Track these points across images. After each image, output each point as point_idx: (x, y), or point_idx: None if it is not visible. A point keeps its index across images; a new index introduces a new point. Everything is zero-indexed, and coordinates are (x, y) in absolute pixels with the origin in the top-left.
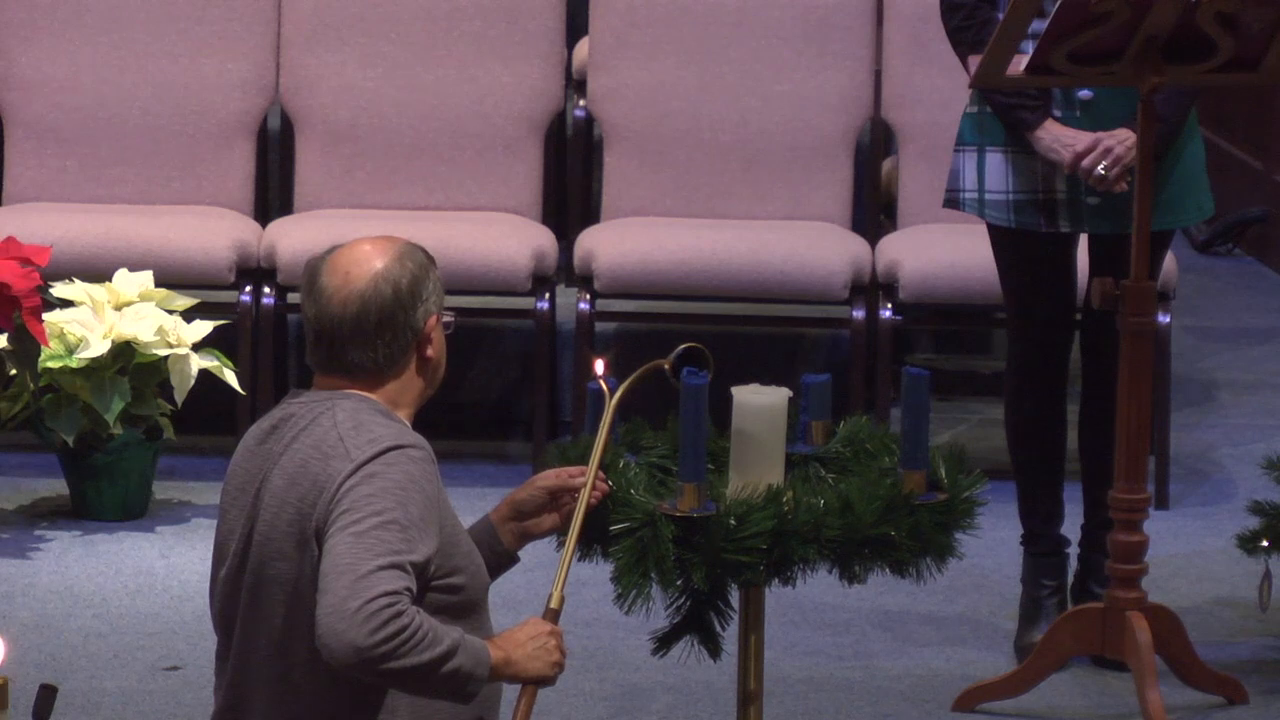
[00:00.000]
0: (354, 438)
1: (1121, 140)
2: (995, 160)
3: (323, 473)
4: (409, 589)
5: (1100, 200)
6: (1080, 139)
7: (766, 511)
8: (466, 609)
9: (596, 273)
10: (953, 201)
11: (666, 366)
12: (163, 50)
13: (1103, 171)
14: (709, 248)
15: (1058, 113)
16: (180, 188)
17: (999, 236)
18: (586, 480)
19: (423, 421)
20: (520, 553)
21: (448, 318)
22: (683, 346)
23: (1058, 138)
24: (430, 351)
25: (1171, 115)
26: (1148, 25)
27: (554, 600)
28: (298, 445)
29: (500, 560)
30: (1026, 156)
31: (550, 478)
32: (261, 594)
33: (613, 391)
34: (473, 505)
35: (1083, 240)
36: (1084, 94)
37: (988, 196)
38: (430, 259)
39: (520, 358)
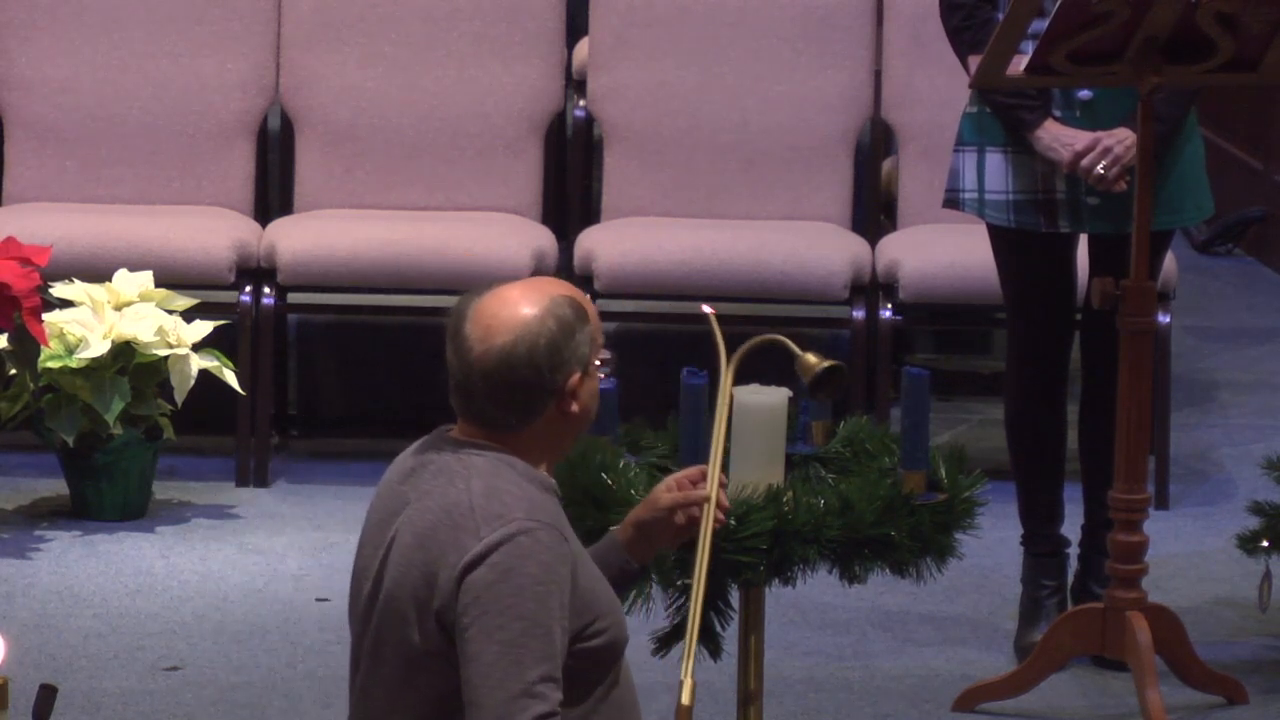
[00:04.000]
0: (484, 508)
1: (1121, 140)
2: (995, 160)
3: (450, 544)
4: (561, 703)
5: (1100, 200)
6: (1079, 138)
7: (766, 511)
8: (610, 659)
9: (596, 273)
10: (952, 201)
11: (806, 381)
12: (163, 50)
13: (1102, 171)
14: (709, 248)
15: (1057, 113)
16: (180, 188)
17: (999, 236)
18: (706, 514)
19: (422, 421)
20: None
21: (604, 356)
22: (825, 365)
23: (1057, 137)
24: (575, 408)
25: (1170, 115)
26: (1148, 25)
27: (685, 693)
28: (429, 503)
29: (632, 577)
30: (1026, 157)
31: (672, 493)
32: (382, 651)
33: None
34: None
35: (1082, 240)
36: (1083, 94)
37: (987, 196)
38: (580, 310)
39: None
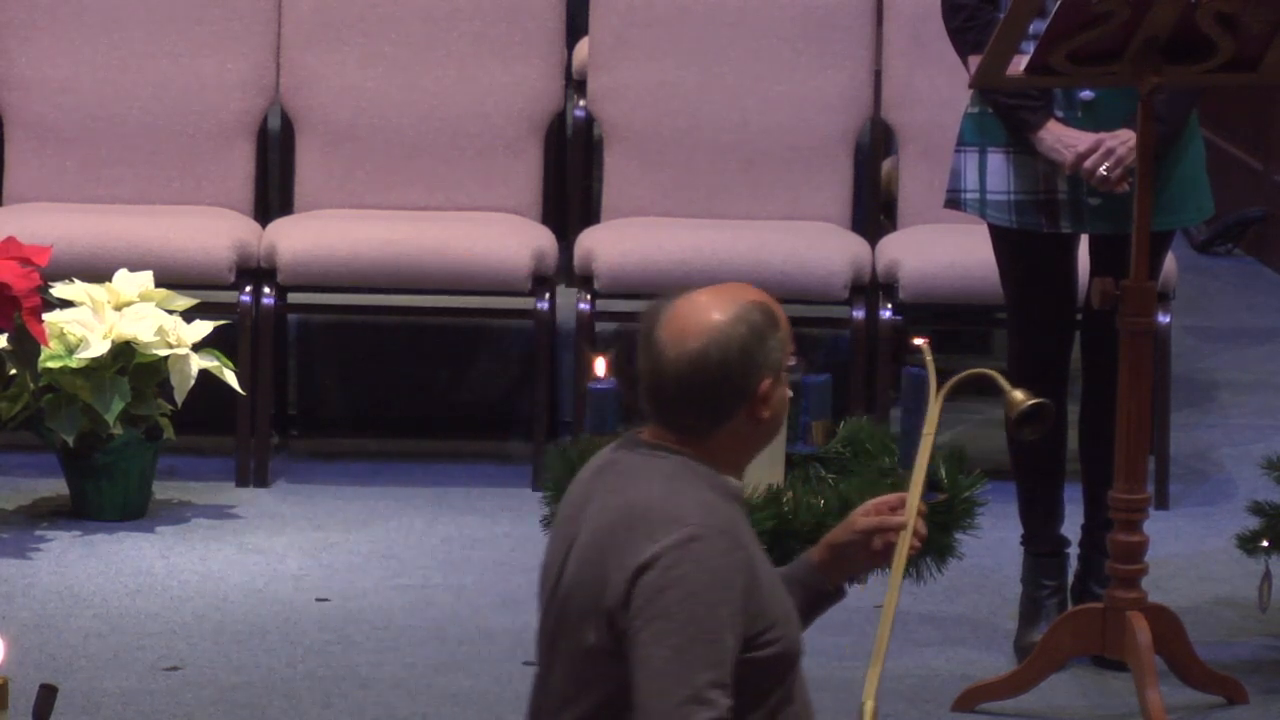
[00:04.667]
0: (661, 511)
1: (1123, 141)
2: (997, 161)
3: (625, 545)
4: (730, 708)
5: (1102, 201)
6: (1082, 140)
7: (766, 511)
8: (781, 670)
9: (596, 273)
10: (954, 202)
11: (1011, 417)
12: (163, 50)
13: (1104, 173)
14: (709, 248)
15: (1059, 113)
16: (180, 188)
17: (1000, 237)
18: (901, 542)
19: (423, 421)
20: (511, 550)
21: (791, 363)
22: (1032, 403)
23: (1059, 138)
24: (765, 413)
25: (1173, 116)
26: (1148, 25)
27: (866, 716)
28: (610, 502)
29: (827, 599)
30: (1028, 157)
31: (870, 518)
32: (558, 646)
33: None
34: (473, 505)
35: (1084, 240)
36: (1085, 95)
37: (989, 197)
38: (772, 315)
39: (520, 358)
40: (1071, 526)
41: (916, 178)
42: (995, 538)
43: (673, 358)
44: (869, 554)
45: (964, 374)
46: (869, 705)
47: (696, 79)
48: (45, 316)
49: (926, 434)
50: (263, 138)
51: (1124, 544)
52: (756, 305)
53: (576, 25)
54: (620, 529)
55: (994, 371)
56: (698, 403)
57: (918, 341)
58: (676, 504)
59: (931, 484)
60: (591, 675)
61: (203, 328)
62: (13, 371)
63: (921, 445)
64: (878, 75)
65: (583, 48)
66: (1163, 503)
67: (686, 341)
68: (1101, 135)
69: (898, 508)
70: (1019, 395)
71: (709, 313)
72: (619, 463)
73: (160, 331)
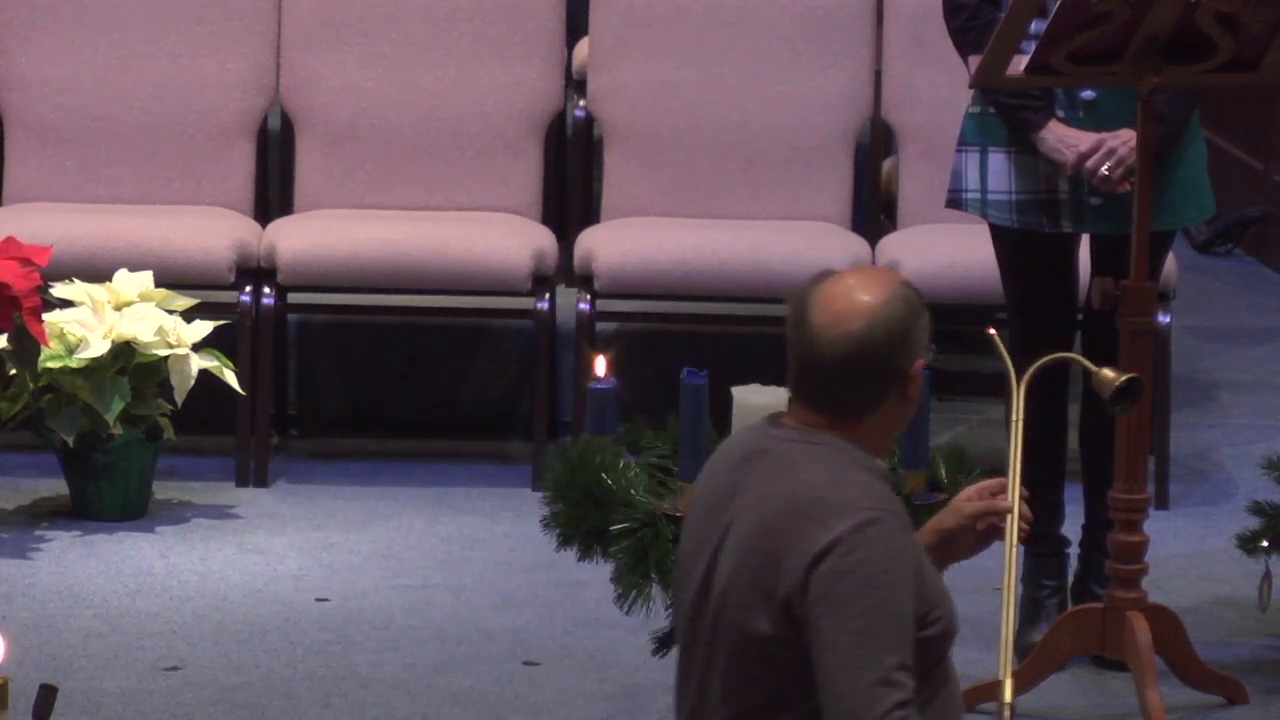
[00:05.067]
0: (831, 498)
1: (1125, 141)
2: (998, 160)
3: (797, 533)
4: (914, 690)
5: (1103, 201)
6: (1083, 140)
7: None
8: (942, 649)
9: (596, 273)
10: (955, 201)
11: (1105, 395)
12: (163, 50)
13: (1106, 172)
14: (709, 248)
15: (1060, 113)
16: (180, 188)
17: (1001, 236)
18: (1010, 525)
19: (423, 421)
20: (511, 550)
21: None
22: (1126, 378)
23: (1061, 138)
24: (913, 393)
25: (1174, 116)
26: (1148, 25)
27: (1006, 692)
28: (771, 492)
29: None
30: (1029, 157)
31: (976, 503)
32: (720, 637)
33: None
34: (473, 505)
35: (1085, 240)
36: (1086, 94)
37: (990, 197)
38: (919, 296)
39: (520, 358)
40: (1071, 526)
41: (916, 178)
42: None
43: (834, 339)
44: (974, 537)
45: (1046, 359)
46: (1007, 683)
47: (696, 79)
48: (45, 316)
49: (1016, 420)
50: (263, 138)
51: (1124, 544)
52: (906, 285)
53: (576, 25)
54: (788, 518)
55: (1076, 355)
56: (857, 383)
57: (990, 331)
58: (844, 490)
59: (931, 484)
60: (760, 666)
61: (203, 328)
62: (13, 371)
63: (1013, 431)
64: (878, 75)
65: (583, 48)
66: (1163, 503)
67: (849, 322)
68: (1103, 135)
69: (999, 493)
70: (1109, 373)
71: (863, 294)
72: (769, 451)
73: (160, 331)
